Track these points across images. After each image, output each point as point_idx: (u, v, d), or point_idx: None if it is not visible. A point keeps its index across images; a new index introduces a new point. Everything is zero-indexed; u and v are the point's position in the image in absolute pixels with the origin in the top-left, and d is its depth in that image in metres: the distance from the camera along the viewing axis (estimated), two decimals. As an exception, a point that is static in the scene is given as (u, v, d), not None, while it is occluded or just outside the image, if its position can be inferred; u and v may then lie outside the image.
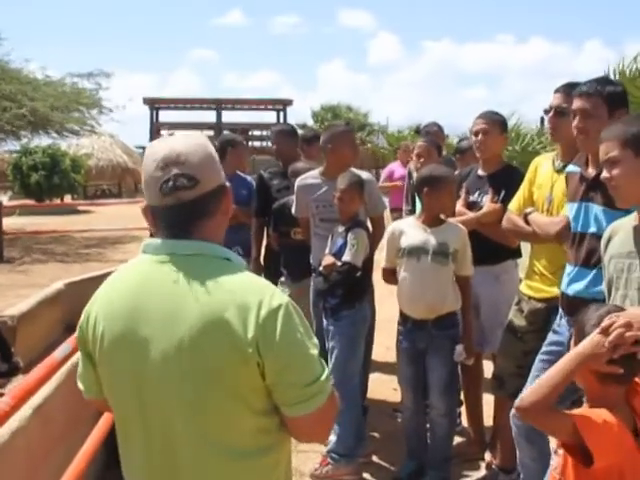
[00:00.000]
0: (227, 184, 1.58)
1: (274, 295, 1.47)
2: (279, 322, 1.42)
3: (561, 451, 1.94)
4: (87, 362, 1.60)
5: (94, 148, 27.74)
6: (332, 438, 3.75)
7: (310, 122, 31.71)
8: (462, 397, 4.14)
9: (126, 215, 15.01)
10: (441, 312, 3.56)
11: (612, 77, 11.49)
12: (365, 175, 4.12)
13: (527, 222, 3.22)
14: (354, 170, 4.03)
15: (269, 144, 15.64)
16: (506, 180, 3.70)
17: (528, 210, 3.22)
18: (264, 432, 1.49)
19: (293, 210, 4.28)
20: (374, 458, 4.03)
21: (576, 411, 1.90)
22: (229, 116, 21.75)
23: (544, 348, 2.90)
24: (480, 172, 3.94)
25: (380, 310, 4.68)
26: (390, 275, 3.75)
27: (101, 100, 17.16)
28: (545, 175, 3.24)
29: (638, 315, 1.87)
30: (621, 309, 1.95)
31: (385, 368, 5.48)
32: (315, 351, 1.47)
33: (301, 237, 4.38)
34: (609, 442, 1.81)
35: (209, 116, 21.58)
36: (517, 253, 3.97)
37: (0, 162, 25.29)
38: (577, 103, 2.70)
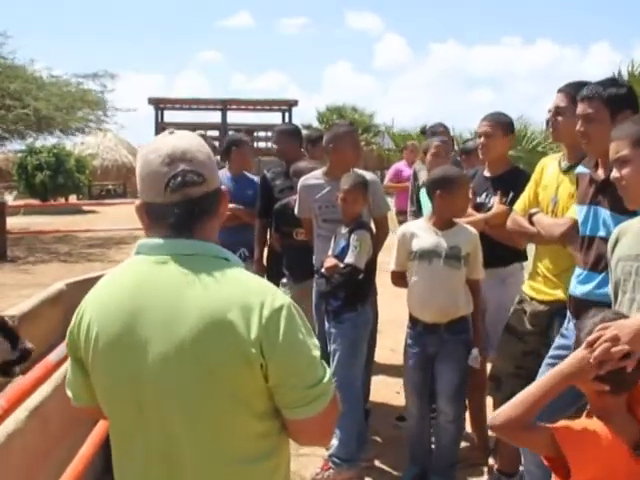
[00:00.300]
0: (223, 188, 1.56)
1: (276, 296, 1.45)
2: (282, 323, 1.40)
3: None
4: (77, 368, 1.56)
5: (99, 148, 27.78)
6: (334, 442, 3.71)
7: (315, 123, 31.70)
8: (466, 402, 4.09)
9: (131, 215, 14.84)
10: (454, 316, 3.51)
11: (623, 78, 11.45)
12: (369, 176, 4.08)
13: (532, 223, 3.19)
14: (358, 171, 3.99)
15: (274, 145, 15.64)
16: (512, 182, 3.67)
17: (533, 211, 3.20)
18: (265, 436, 1.47)
19: (296, 210, 4.25)
20: (376, 462, 3.99)
21: (561, 423, 1.80)
22: (234, 117, 21.77)
23: (551, 352, 2.86)
24: (486, 173, 3.92)
25: (384, 312, 4.64)
26: (400, 278, 3.70)
27: (106, 102, 17.17)
28: (551, 176, 3.21)
29: (627, 327, 1.77)
30: (621, 316, 1.86)
31: (389, 371, 5.44)
32: (317, 353, 1.46)
33: (304, 238, 4.35)
34: (590, 455, 1.73)
35: (214, 117, 21.57)
36: (523, 256, 3.93)
37: (5, 161, 25.35)
38: (579, 108, 2.69)
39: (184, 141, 1.49)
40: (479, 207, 3.83)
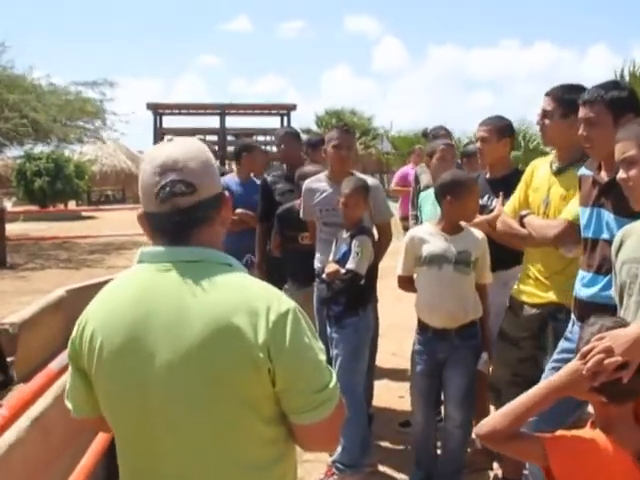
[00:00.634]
0: (226, 193, 1.55)
1: (282, 300, 1.44)
2: (288, 327, 1.40)
3: None
4: (78, 379, 1.55)
5: (98, 154, 27.79)
6: (337, 448, 3.68)
7: (314, 127, 31.71)
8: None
9: (130, 221, 14.92)
10: (464, 321, 3.49)
11: (625, 79, 11.46)
12: (371, 181, 4.06)
13: (523, 224, 3.18)
14: (360, 175, 3.98)
15: (273, 149, 15.62)
16: (514, 184, 3.65)
17: (524, 212, 3.19)
18: (273, 442, 1.46)
19: (301, 213, 4.24)
20: (380, 468, 3.96)
21: (559, 432, 1.77)
22: (233, 121, 21.69)
23: (555, 356, 2.84)
24: (487, 176, 3.93)
25: (386, 316, 4.63)
26: (407, 282, 3.67)
27: (105, 111, 17.13)
28: (542, 178, 3.21)
29: (622, 337, 1.73)
30: (620, 324, 1.81)
31: (391, 375, 5.42)
32: (323, 357, 1.45)
33: (308, 242, 4.33)
34: (582, 467, 1.68)
35: (213, 121, 21.52)
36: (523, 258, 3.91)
37: (4, 168, 25.34)
38: (581, 112, 2.67)
39: (178, 149, 1.47)
40: (481, 210, 3.82)
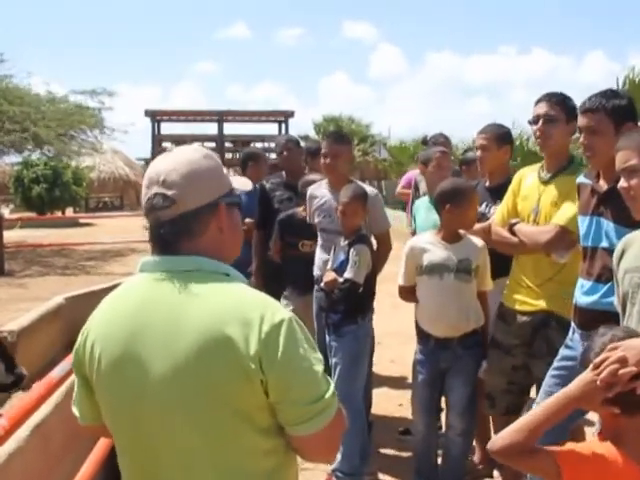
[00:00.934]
0: (221, 202, 1.49)
1: (276, 310, 1.42)
2: (282, 338, 1.38)
3: None
4: (83, 387, 1.56)
5: (96, 161, 27.76)
6: (337, 456, 3.67)
7: (312, 134, 31.73)
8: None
9: (128, 228, 14.99)
10: (466, 330, 3.48)
11: (622, 86, 11.48)
12: (369, 189, 4.07)
13: (513, 233, 3.17)
14: (359, 183, 3.98)
15: (272, 156, 15.60)
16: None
17: (513, 221, 3.20)
18: (271, 453, 1.45)
19: (307, 218, 4.26)
20: (380, 476, 3.95)
21: (566, 446, 1.74)
22: (231, 128, 21.68)
23: (556, 363, 2.84)
24: (486, 184, 3.93)
25: (385, 323, 4.63)
26: (408, 293, 3.66)
27: (104, 120, 17.14)
28: (530, 186, 3.22)
29: (635, 348, 1.70)
30: (631, 334, 1.79)
31: (390, 383, 5.41)
32: (320, 368, 1.43)
33: (308, 250, 4.33)
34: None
35: (211, 128, 21.52)
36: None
37: (2, 174, 25.33)
38: (582, 120, 2.67)
39: (166, 161, 1.48)
40: (480, 217, 3.82)
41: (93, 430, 1.65)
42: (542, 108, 3.10)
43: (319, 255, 4.11)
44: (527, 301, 3.18)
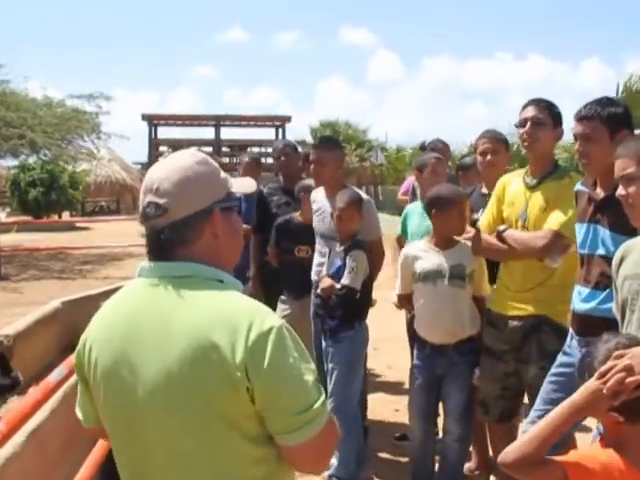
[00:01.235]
0: (215, 208, 1.48)
1: (266, 317, 1.40)
2: (269, 346, 1.36)
3: None
4: (85, 390, 1.57)
5: (92, 165, 27.73)
6: (333, 461, 3.67)
7: (309, 138, 31.79)
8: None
9: (124, 232, 14.98)
10: (462, 336, 3.48)
11: (620, 93, 11.51)
12: (363, 196, 4.06)
13: (501, 239, 3.17)
14: (354, 188, 3.99)
15: (268, 160, 15.63)
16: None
17: (501, 228, 3.18)
18: (262, 461, 1.43)
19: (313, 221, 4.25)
20: (376, 481, 3.94)
21: (571, 455, 1.74)
22: (228, 133, 21.74)
23: (553, 370, 2.83)
24: (484, 190, 3.92)
25: (381, 329, 4.63)
26: (407, 301, 3.67)
27: (100, 125, 17.10)
28: (516, 192, 3.21)
29: None
30: (636, 342, 1.78)
31: (386, 388, 5.40)
32: (310, 377, 1.40)
33: (305, 255, 4.33)
34: None
35: (208, 133, 21.56)
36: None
37: (-2, 178, 25.28)
38: (577, 128, 2.68)
39: (161, 169, 1.48)
40: (476, 223, 3.82)
41: (96, 432, 1.65)
42: (530, 112, 3.11)
43: (317, 260, 4.12)
44: (517, 306, 3.18)
